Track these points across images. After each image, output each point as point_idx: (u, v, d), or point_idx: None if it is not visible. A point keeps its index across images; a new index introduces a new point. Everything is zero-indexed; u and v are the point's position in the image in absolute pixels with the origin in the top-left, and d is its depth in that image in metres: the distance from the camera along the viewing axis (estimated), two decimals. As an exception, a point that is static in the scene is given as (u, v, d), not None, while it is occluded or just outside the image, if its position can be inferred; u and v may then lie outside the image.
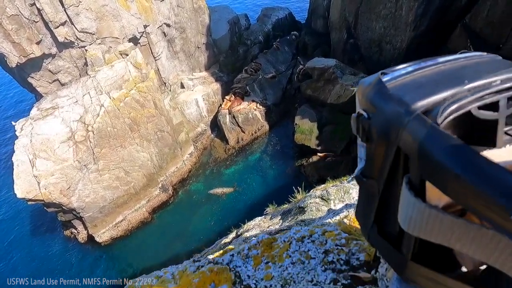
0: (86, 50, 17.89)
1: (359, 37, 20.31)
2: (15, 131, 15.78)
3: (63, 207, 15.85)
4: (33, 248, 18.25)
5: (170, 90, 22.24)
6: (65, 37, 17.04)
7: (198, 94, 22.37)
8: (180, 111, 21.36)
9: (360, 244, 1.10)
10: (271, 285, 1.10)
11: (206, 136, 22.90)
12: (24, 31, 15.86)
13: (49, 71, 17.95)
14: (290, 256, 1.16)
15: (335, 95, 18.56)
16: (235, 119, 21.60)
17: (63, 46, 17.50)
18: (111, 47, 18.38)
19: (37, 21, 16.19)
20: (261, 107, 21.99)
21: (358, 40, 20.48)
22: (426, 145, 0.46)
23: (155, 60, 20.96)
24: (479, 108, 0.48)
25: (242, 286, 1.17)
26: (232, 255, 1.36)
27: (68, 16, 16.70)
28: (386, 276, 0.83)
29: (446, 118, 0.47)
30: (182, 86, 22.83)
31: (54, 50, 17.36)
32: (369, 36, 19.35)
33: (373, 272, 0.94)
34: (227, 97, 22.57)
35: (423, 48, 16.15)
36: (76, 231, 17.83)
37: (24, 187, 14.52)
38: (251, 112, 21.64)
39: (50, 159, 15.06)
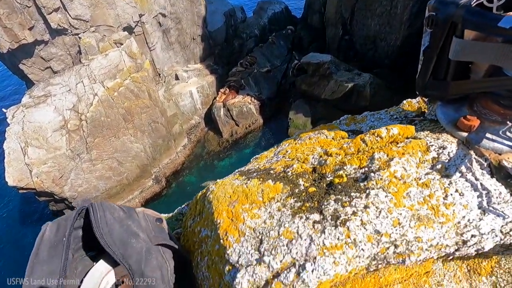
0: (79, 38, 17.57)
1: (354, 34, 20.50)
2: (7, 118, 15.51)
3: (55, 196, 15.73)
4: (21, 238, 18.02)
5: (164, 82, 22.07)
6: (58, 24, 16.70)
7: (193, 86, 22.25)
8: (174, 102, 21.25)
9: (412, 110, 1.76)
10: (361, 129, 1.81)
11: (200, 128, 22.87)
12: (16, 16, 15.49)
13: (41, 58, 17.60)
14: (369, 120, 1.87)
15: (329, 91, 18.74)
16: (230, 112, 21.61)
17: (56, 33, 17.16)
18: (105, 35, 18.10)
19: (30, 6, 15.82)
20: (255, 101, 22.03)
21: (353, 37, 20.67)
22: (466, 13, 1.01)
23: (150, 51, 20.73)
24: (486, 1, 1.03)
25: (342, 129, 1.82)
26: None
27: (62, 2, 16.35)
28: (432, 111, 1.46)
29: (473, 4, 1.01)
30: (177, 78, 22.66)
31: (46, 36, 17.01)
32: (364, 33, 19.55)
33: (421, 117, 1.57)
34: (221, 90, 22.50)
35: (417, 46, 16.45)
36: (67, 221, 17.70)
37: (15, 175, 14.33)
38: (245, 106, 21.67)
39: (43, 148, 14.88)
